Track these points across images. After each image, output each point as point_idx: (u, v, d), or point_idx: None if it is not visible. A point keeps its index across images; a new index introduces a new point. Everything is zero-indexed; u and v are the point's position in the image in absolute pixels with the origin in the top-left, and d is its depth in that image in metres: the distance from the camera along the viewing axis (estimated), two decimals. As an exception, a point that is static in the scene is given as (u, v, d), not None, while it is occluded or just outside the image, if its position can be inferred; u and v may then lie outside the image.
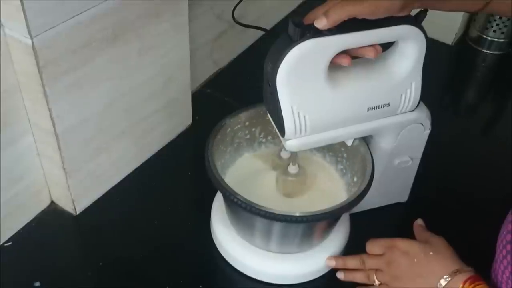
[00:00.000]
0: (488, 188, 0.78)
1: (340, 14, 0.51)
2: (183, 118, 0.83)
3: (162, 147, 0.80)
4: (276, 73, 0.53)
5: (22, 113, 0.62)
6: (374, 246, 0.62)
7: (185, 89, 0.80)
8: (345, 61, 0.55)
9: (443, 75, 1.02)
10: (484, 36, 1.04)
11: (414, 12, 0.56)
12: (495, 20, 1.02)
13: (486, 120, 0.96)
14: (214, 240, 0.68)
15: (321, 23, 0.51)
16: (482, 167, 0.82)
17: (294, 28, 0.52)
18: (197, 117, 0.85)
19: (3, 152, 0.61)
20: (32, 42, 0.54)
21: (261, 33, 0.99)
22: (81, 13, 0.57)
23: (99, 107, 0.66)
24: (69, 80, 0.60)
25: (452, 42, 1.06)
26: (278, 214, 0.56)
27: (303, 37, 0.52)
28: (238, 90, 0.91)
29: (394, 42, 0.58)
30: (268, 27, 1.00)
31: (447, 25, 1.02)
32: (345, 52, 0.55)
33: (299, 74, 0.54)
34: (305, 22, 0.53)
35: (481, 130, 0.92)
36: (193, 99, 0.83)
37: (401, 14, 0.53)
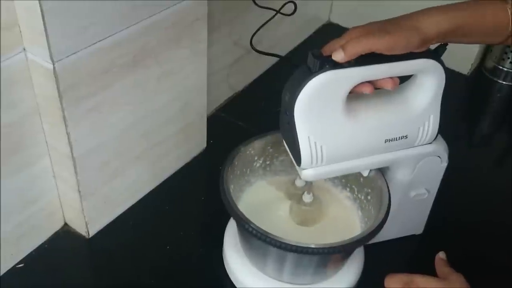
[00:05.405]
0: (504, 220, 0.77)
1: (357, 48, 0.51)
2: (198, 142, 0.83)
3: (176, 171, 0.80)
4: (294, 103, 0.54)
5: (40, 136, 0.62)
6: (392, 281, 0.61)
7: (201, 113, 0.81)
8: (366, 89, 0.55)
9: (458, 105, 1.02)
10: (500, 67, 1.04)
11: (434, 45, 0.56)
12: (511, 51, 1.02)
13: (502, 151, 0.95)
14: (226, 267, 0.67)
15: (339, 56, 0.52)
16: (498, 198, 0.81)
17: (313, 60, 0.52)
18: (211, 141, 0.85)
19: (19, 173, 0.61)
20: (54, 67, 0.54)
21: (276, 59, 0.99)
22: (103, 39, 0.58)
23: (117, 132, 0.66)
24: (88, 105, 0.60)
25: (468, 72, 1.06)
26: (293, 245, 0.55)
27: (322, 68, 0.52)
28: (252, 114, 0.91)
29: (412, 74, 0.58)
30: (283, 54, 1.01)
31: (463, 55, 1.02)
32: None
33: (317, 105, 0.54)
34: (323, 53, 0.54)
35: (496, 161, 0.91)
36: (207, 123, 0.83)
37: (418, 51, 0.53)
